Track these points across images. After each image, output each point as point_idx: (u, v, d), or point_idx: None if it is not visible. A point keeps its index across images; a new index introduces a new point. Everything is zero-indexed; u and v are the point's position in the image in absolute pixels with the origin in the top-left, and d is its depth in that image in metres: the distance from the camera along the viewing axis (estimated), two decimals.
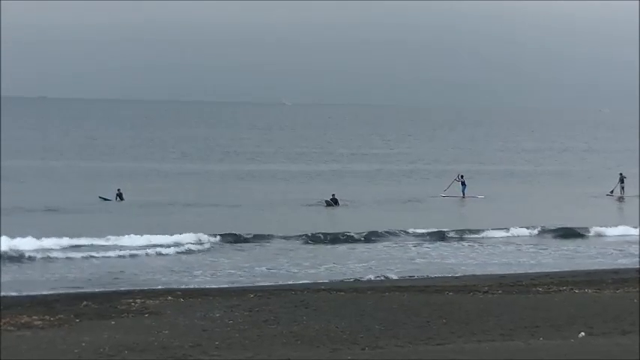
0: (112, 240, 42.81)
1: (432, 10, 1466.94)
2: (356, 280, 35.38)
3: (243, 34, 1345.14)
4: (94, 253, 40.27)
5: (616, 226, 50.76)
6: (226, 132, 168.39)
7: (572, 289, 29.77)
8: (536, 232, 49.15)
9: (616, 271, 36.78)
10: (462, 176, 66.99)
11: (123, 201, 59.87)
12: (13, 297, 30.35)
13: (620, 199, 66.16)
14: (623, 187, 67.03)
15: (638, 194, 64.35)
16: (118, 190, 60.69)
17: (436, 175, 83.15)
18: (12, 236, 41.21)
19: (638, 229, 49.17)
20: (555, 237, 48.69)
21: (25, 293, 31.50)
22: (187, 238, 43.64)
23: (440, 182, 72.54)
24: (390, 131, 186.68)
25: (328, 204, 58.92)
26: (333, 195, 59.58)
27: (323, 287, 31.26)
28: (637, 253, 43.11)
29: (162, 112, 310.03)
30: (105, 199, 59.81)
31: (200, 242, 43.61)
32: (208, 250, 42.85)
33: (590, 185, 74.49)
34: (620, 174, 68.21)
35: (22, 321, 23.84)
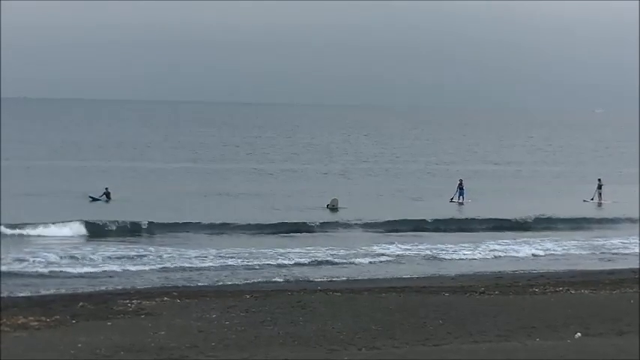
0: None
1: (431, 12, 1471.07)
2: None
3: (244, 35, 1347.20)
4: (92, 256, 40.18)
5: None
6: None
7: (568, 289, 29.81)
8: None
9: (612, 272, 36.86)
10: (460, 180, 66.94)
11: (110, 200, 60.77)
12: (9, 298, 30.32)
13: (599, 204, 65.87)
14: (600, 194, 66.95)
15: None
16: (106, 189, 61.68)
17: (436, 176, 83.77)
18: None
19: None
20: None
21: (21, 294, 31.48)
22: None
23: (439, 186, 73.11)
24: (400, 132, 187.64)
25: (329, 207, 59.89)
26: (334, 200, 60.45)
27: (319, 288, 31.26)
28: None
29: (160, 112, 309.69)
30: (94, 199, 60.35)
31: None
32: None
33: (581, 186, 74.54)
34: (599, 180, 68.03)
35: (19, 322, 23.77)
